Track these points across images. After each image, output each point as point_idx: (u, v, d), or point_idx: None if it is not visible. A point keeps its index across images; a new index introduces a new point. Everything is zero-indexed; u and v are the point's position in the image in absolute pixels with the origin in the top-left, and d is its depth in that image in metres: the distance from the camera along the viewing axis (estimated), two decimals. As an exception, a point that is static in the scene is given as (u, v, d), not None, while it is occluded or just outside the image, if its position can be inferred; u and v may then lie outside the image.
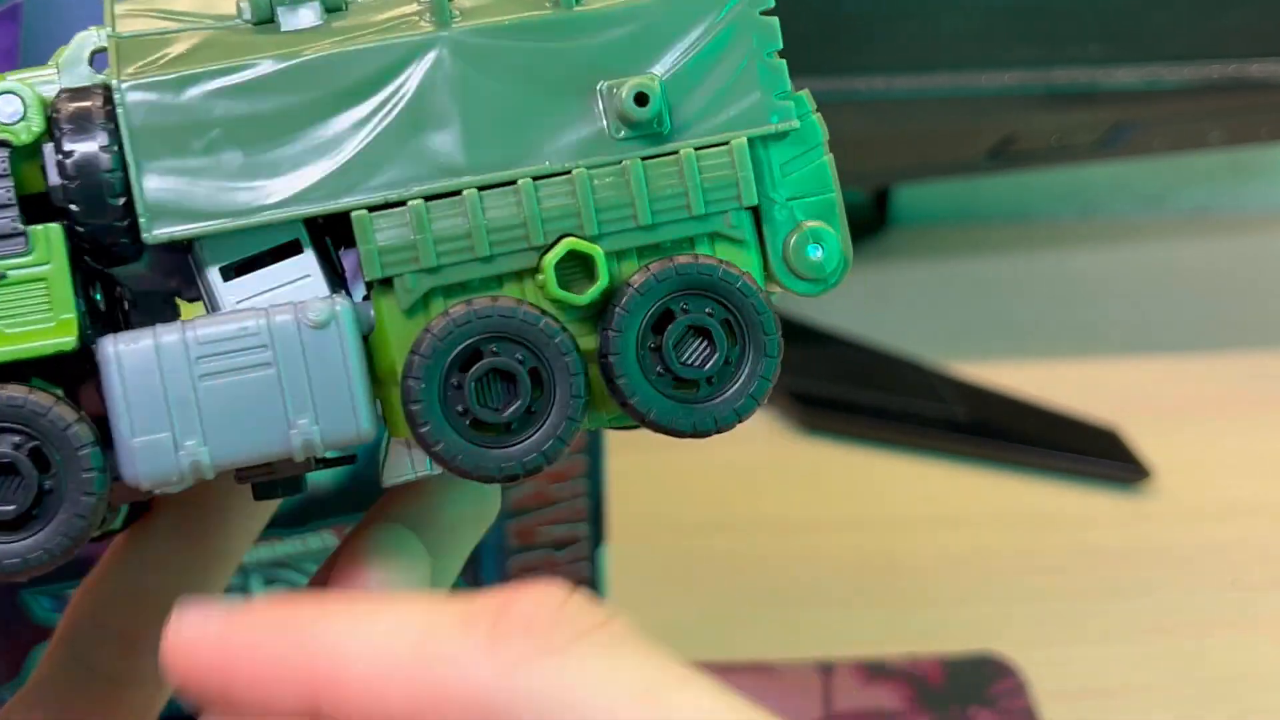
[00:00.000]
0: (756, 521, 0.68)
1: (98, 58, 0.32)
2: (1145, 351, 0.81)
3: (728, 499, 0.69)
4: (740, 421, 0.32)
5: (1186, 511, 0.68)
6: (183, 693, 0.29)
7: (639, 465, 0.64)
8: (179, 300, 0.34)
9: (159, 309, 0.34)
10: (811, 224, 0.32)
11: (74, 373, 0.31)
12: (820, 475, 0.71)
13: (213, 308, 0.31)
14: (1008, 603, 0.62)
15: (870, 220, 0.95)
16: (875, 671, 0.58)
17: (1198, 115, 0.72)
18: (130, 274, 0.33)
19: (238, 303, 0.31)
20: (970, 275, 0.89)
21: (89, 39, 0.32)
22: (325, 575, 0.34)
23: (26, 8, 0.44)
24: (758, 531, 0.67)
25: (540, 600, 0.27)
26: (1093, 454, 0.71)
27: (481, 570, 0.57)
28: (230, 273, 0.31)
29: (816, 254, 0.33)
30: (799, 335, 0.81)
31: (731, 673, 0.58)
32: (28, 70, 0.32)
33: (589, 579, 0.59)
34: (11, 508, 0.30)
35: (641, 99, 0.31)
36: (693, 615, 0.62)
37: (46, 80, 0.32)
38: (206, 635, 0.29)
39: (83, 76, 0.32)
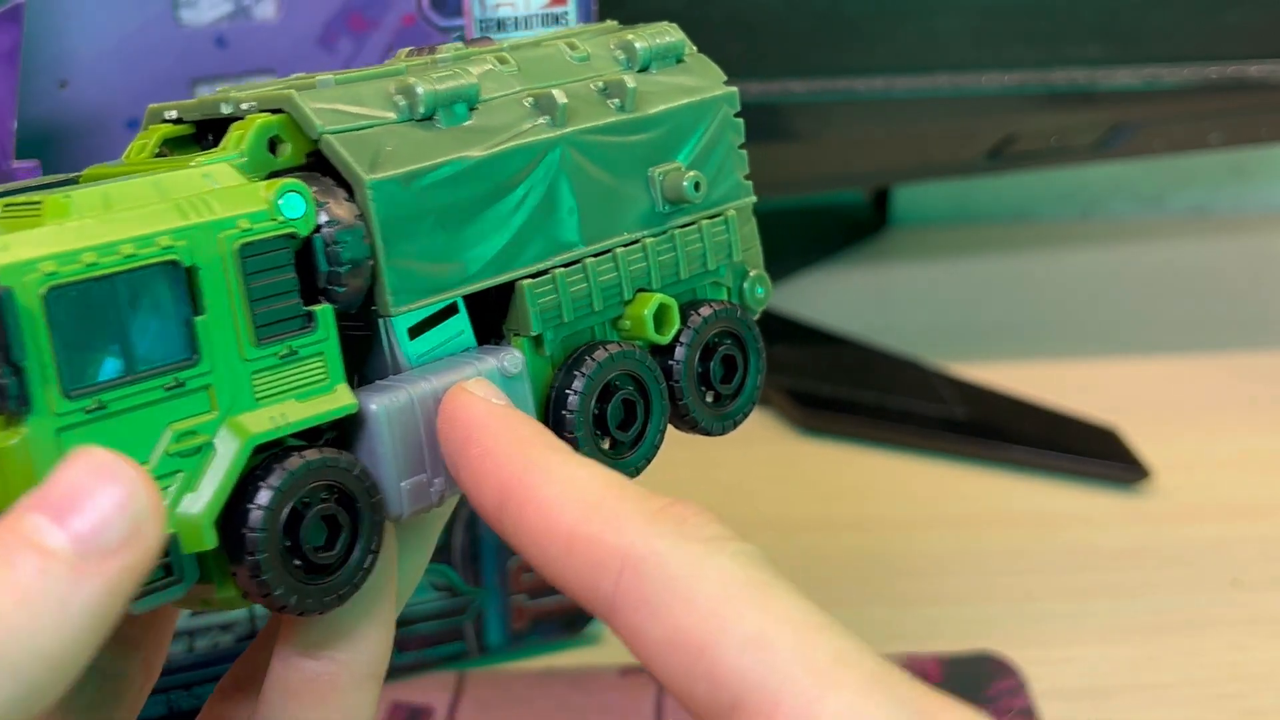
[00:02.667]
0: (756, 521, 0.68)
1: (273, 143, 0.35)
2: (1145, 351, 0.81)
3: (728, 499, 0.70)
4: (745, 419, 0.43)
5: (1186, 511, 0.68)
6: (440, 427, 0.35)
7: (639, 465, 0.64)
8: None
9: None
10: (756, 270, 0.43)
11: (312, 436, 0.35)
12: (820, 475, 0.71)
13: (395, 364, 0.36)
14: (1007, 602, 0.62)
15: (870, 220, 0.95)
16: (875, 671, 0.58)
17: (1197, 116, 0.72)
18: None
19: (419, 355, 0.37)
20: (970, 275, 0.89)
21: (270, 126, 0.35)
22: (262, 634, 0.37)
23: (27, 9, 0.44)
24: (758, 531, 0.67)
25: (699, 510, 0.33)
26: (1092, 454, 0.71)
27: (481, 570, 0.57)
28: (412, 332, 0.37)
29: (761, 293, 0.43)
30: (799, 335, 0.81)
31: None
32: (214, 152, 0.35)
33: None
34: (333, 553, 0.34)
35: (698, 186, 0.40)
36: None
37: (237, 163, 0.35)
38: (482, 405, 0.35)
39: (264, 161, 0.35)
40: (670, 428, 0.41)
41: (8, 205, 0.32)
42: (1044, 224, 0.96)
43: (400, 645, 0.38)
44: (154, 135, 0.37)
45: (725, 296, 0.42)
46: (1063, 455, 0.71)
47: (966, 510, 0.69)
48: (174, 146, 0.37)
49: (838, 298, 0.86)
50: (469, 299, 0.38)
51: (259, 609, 0.54)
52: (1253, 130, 0.74)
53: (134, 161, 0.36)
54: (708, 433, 0.42)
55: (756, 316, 0.43)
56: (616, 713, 0.55)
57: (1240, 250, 0.92)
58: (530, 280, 0.38)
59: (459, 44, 0.41)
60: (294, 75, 0.38)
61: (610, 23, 0.43)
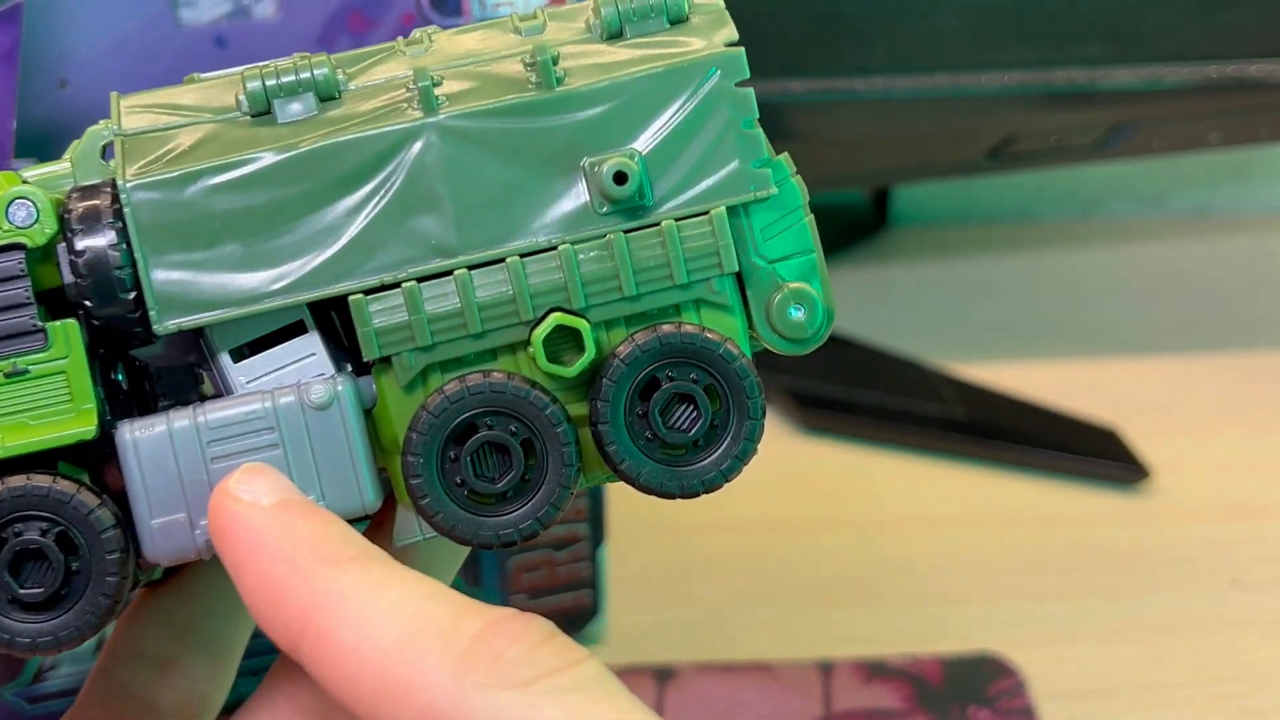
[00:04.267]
0: (756, 521, 0.68)
1: (109, 150, 0.33)
2: (1145, 351, 0.81)
3: (728, 499, 0.69)
4: (727, 482, 0.34)
5: (1186, 511, 0.68)
6: (214, 541, 0.31)
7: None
8: (200, 372, 0.35)
9: (182, 380, 0.35)
10: (794, 285, 0.34)
11: (99, 453, 0.33)
12: (820, 475, 0.71)
13: (225, 387, 0.33)
14: (1007, 602, 0.62)
15: (870, 220, 0.95)
16: (875, 671, 0.58)
17: (1197, 115, 0.72)
18: (149, 353, 0.35)
19: (248, 382, 0.33)
20: (970, 275, 0.89)
21: (100, 134, 0.34)
22: None
23: (27, 9, 0.44)
24: (758, 531, 0.67)
25: (520, 632, 0.28)
26: (1092, 454, 0.71)
27: (481, 570, 0.57)
28: (240, 354, 0.33)
29: (798, 315, 0.34)
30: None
31: (731, 673, 0.58)
32: (44, 165, 0.34)
33: (589, 579, 0.59)
34: (40, 590, 0.32)
35: (620, 178, 0.32)
36: (693, 615, 0.62)
37: (62, 175, 0.33)
38: (251, 513, 0.31)
39: (96, 170, 0.33)
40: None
41: None
42: (1044, 224, 0.96)
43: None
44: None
45: (732, 322, 0.34)
46: (1063, 455, 0.71)
47: (966, 510, 0.69)
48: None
49: (838, 298, 0.86)
50: (342, 311, 0.33)
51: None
52: (1253, 130, 0.74)
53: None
54: (659, 493, 0.34)
55: (803, 350, 0.34)
56: (616, 713, 0.55)
57: (1240, 250, 0.92)
58: (366, 295, 0.32)
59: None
60: (294, 55, 0.35)
61: None
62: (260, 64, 0.34)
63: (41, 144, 0.46)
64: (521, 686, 0.27)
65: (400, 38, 0.35)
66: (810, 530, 0.68)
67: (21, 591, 0.32)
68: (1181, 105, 0.72)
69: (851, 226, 0.95)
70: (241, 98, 0.33)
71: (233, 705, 0.40)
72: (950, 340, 0.81)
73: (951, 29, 0.71)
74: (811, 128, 0.72)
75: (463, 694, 0.27)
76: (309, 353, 0.33)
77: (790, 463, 0.72)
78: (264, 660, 0.41)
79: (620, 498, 0.61)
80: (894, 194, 0.95)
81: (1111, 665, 0.59)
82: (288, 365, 0.33)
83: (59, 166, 0.34)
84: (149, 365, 0.35)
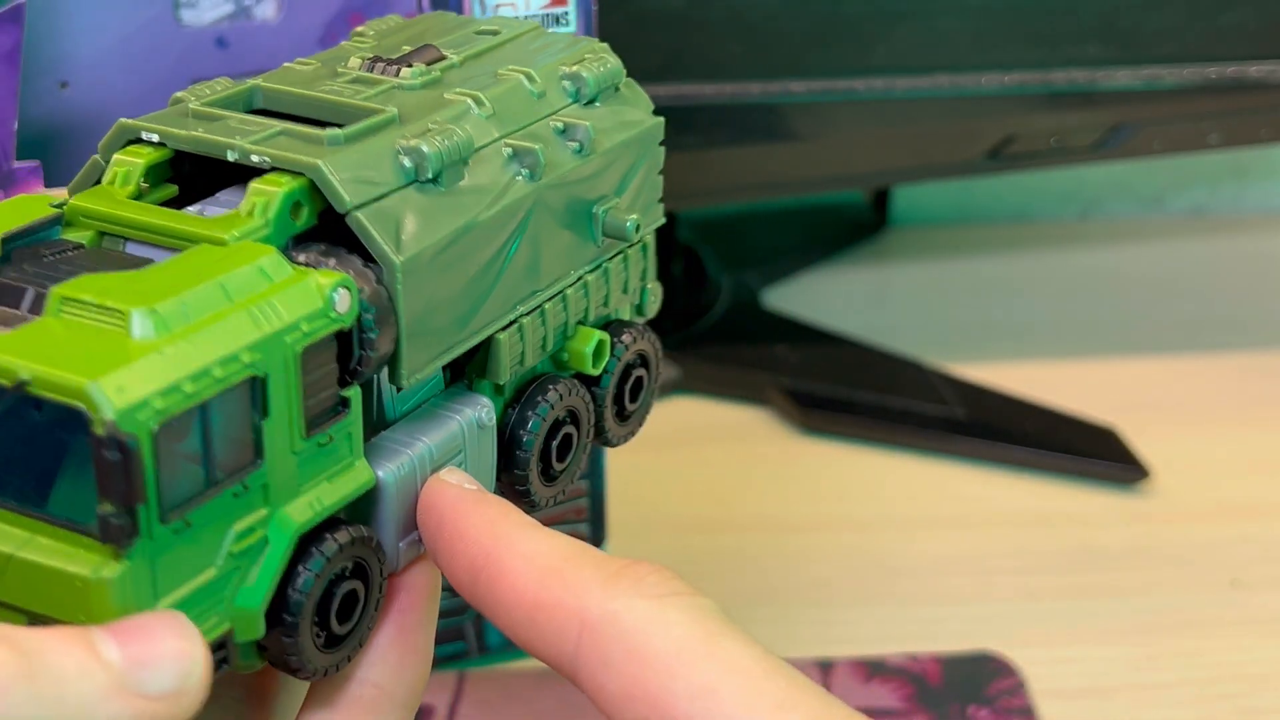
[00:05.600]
0: (756, 521, 0.68)
1: (296, 208, 0.35)
2: (1144, 351, 0.81)
3: (728, 499, 0.70)
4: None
5: (1185, 511, 0.68)
6: (420, 513, 0.37)
7: (639, 465, 0.64)
8: None
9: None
10: (649, 284, 0.43)
11: None
12: (820, 475, 0.72)
13: (379, 413, 0.37)
14: (1006, 602, 0.63)
15: (870, 220, 0.95)
16: (874, 670, 0.58)
17: (1197, 116, 0.72)
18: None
19: (403, 409, 0.38)
20: (970, 275, 0.89)
21: (293, 194, 0.35)
22: None
23: (28, 9, 0.44)
24: (758, 531, 0.68)
25: (655, 569, 0.34)
26: (1091, 454, 0.71)
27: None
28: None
29: (648, 298, 0.44)
30: (799, 335, 0.81)
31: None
32: (238, 224, 0.34)
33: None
34: (350, 625, 0.35)
35: (638, 228, 0.41)
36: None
37: (259, 230, 0.34)
38: (455, 491, 0.37)
39: (288, 226, 0.35)
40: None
41: (66, 302, 0.31)
42: (1044, 224, 0.96)
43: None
44: (138, 163, 0.36)
45: (631, 312, 0.43)
46: (1063, 455, 0.71)
47: (966, 510, 0.69)
48: (151, 175, 0.36)
49: (838, 298, 0.86)
50: None
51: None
52: (1252, 130, 0.74)
53: (120, 198, 0.35)
54: (608, 444, 0.43)
55: (646, 319, 0.44)
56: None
57: (1240, 250, 0.92)
58: (504, 332, 0.38)
59: (397, 17, 0.41)
60: (276, 70, 0.38)
61: (531, 22, 0.43)
62: (416, 125, 0.37)
63: (42, 144, 0.46)
64: (657, 597, 0.33)
65: (457, 96, 0.38)
66: (810, 530, 0.68)
67: (338, 629, 0.35)
68: (1181, 106, 0.72)
69: (851, 226, 0.95)
70: (413, 165, 0.36)
71: None
72: (950, 340, 0.81)
73: (951, 29, 0.71)
74: (811, 128, 0.72)
75: (608, 599, 0.33)
76: (434, 376, 0.38)
77: (790, 463, 0.73)
78: None
79: (620, 498, 0.61)
80: (894, 194, 0.95)
81: (1111, 665, 0.59)
82: (424, 386, 0.38)
83: (255, 225, 0.34)
84: None
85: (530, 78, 0.40)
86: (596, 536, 0.59)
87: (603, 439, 0.42)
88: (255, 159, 0.35)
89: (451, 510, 0.36)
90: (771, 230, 0.92)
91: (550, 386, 0.40)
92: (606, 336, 0.41)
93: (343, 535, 0.35)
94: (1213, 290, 0.88)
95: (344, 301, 0.34)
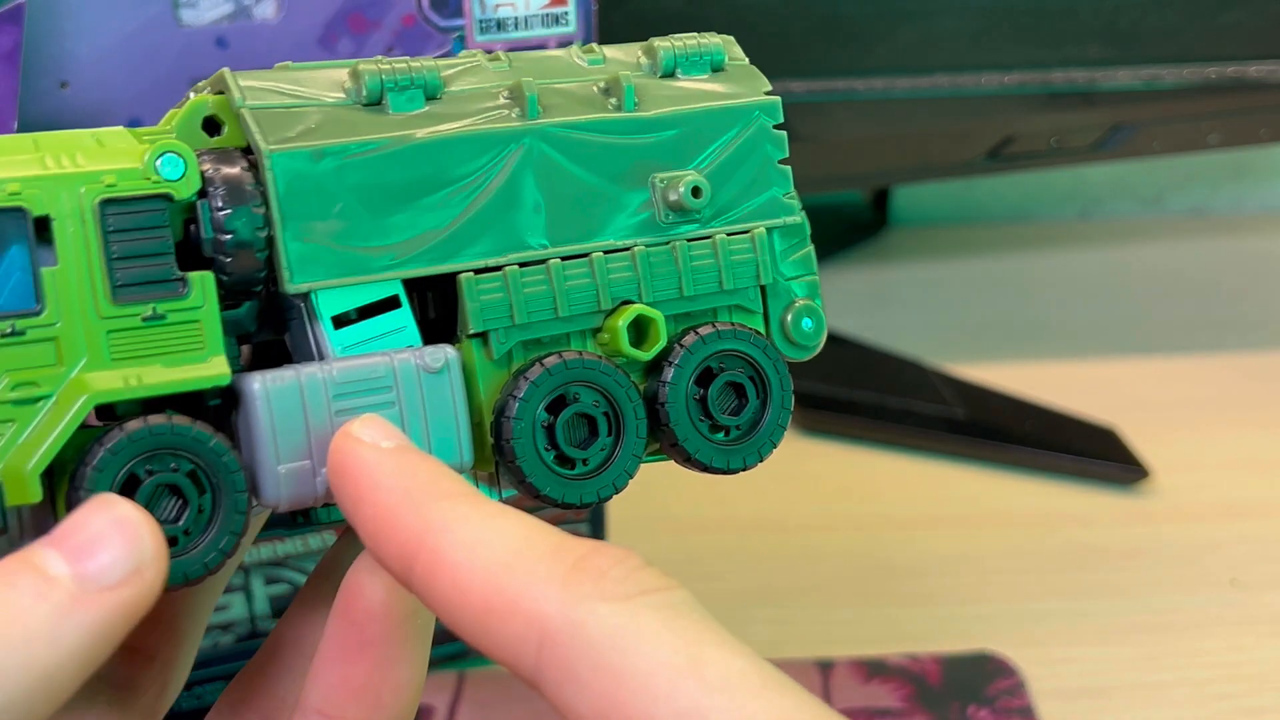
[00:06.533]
0: (756, 521, 0.68)
1: (209, 123, 0.35)
2: (1144, 351, 0.81)
3: (728, 499, 0.70)
4: (761, 461, 0.39)
5: (1185, 511, 0.68)
6: (330, 479, 0.33)
7: (639, 465, 0.64)
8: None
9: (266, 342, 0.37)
10: (804, 301, 0.40)
11: (202, 406, 0.35)
12: (820, 475, 0.72)
13: (320, 352, 0.35)
14: (1006, 602, 0.63)
15: (870, 220, 0.95)
16: (874, 670, 0.58)
17: (1196, 116, 0.72)
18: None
19: (344, 349, 0.35)
20: (970, 275, 0.89)
21: (200, 106, 0.35)
22: (316, 580, 0.37)
23: (28, 9, 0.44)
24: (758, 531, 0.68)
25: (621, 557, 0.31)
26: (1091, 454, 0.71)
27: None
28: (339, 322, 0.35)
29: (810, 326, 0.40)
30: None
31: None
32: (145, 130, 0.35)
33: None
34: (175, 524, 0.33)
35: (697, 192, 0.37)
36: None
37: (165, 134, 0.35)
38: (372, 452, 0.33)
39: (198, 139, 0.35)
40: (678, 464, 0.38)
41: None
42: (1044, 224, 0.96)
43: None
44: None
45: (756, 324, 0.39)
46: (1063, 455, 0.71)
47: (966, 510, 0.69)
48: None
49: (838, 298, 0.86)
50: (423, 297, 0.37)
51: (258, 609, 0.54)
52: (1252, 130, 0.74)
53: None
54: (708, 469, 0.38)
55: (806, 356, 0.39)
56: (616, 712, 0.55)
57: (1240, 250, 0.92)
58: (474, 274, 0.36)
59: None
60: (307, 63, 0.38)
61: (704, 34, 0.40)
62: (372, 59, 0.36)
63: (42, 144, 0.46)
64: (624, 599, 0.30)
65: (479, 52, 0.38)
66: (810, 530, 0.68)
67: (169, 526, 0.33)
68: (1181, 106, 0.72)
69: (851, 226, 0.95)
70: (351, 85, 0.36)
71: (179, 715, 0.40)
72: (950, 340, 0.81)
73: (951, 29, 0.71)
74: (811, 128, 0.72)
75: (569, 604, 0.29)
76: (401, 325, 0.36)
77: (790, 463, 0.72)
78: (236, 666, 0.42)
79: (620, 497, 0.61)
80: (894, 194, 0.95)
81: (1110, 665, 0.59)
82: (379, 336, 0.36)
83: (162, 131, 0.35)
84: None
85: (590, 50, 0.38)
86: (596, 536, 0.59)
87: (689, 458, 0.38)
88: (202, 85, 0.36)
89: (370, 479, 0.32)
90: (771, 230, 0.92)
91: (557, 355, 0.36)
92: (656, 315, 0.37)
93: (157, 420, 0.33)
94: (1213, 290, 0.88)
95: (169, 167, 0.33)
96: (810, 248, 0.40)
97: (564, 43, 0.50)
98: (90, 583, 0.30)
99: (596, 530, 0.59)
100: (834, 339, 0.83)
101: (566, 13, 0.50)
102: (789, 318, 0.39)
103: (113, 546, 0.31)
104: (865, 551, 0.66)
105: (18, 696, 0.29)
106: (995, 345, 0.82)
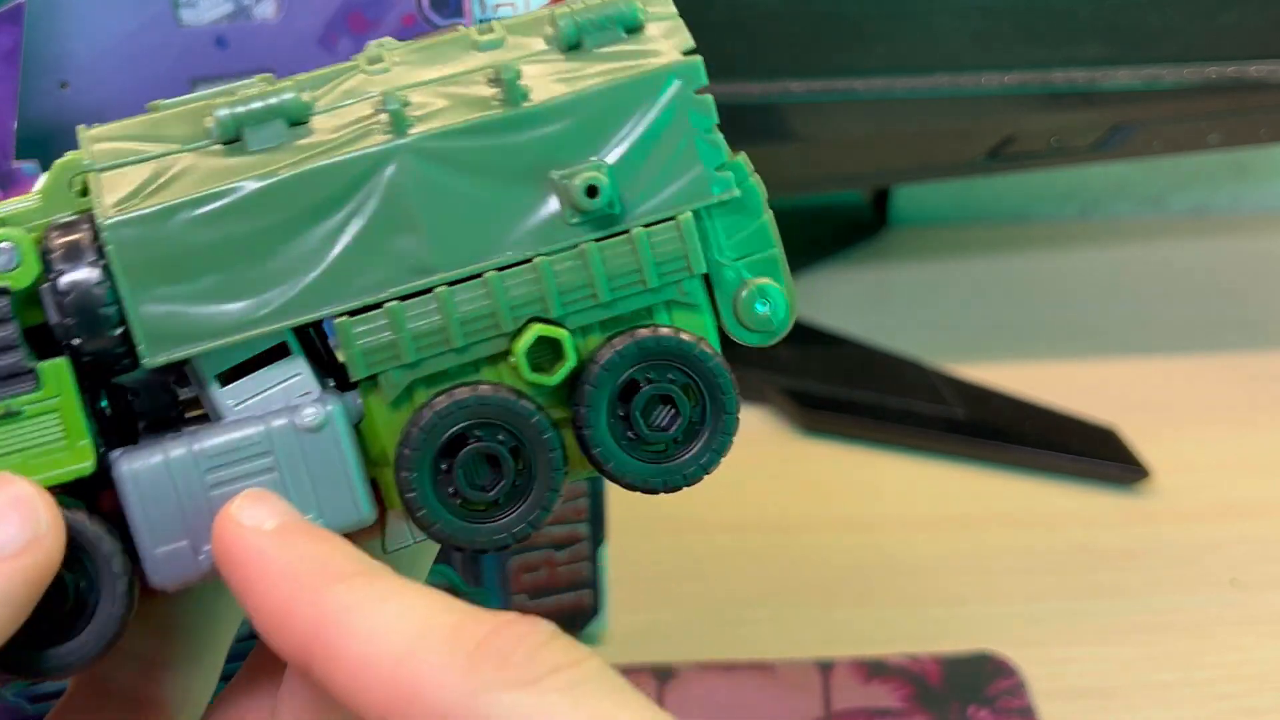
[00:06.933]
0: (756, 521, 0.68)
1: (79, 182, 0.34)
2: (1144, 352, 0.81)
3: (727, 499, 0.70)
4: (706, 475, 0.35)
5: (1185, 511, 0.68)
6: (217, 565, 0.32)
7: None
8: (176, 388, 0.36)
9: (159, 396, 0.35)
10: (758, 281, 0.35)
11: (95, 480, 0.33)
12: (820, 475, 0.71)
13: (213, 412, 0.33)
14: (1006, 602, 0.63)
15: (870, 220, 0.95)
16: (874, 670, 0.58)
17: (1197, 116, 0.72)
18: (128, 377, 0.35)
19: (236, 405, 0.33)
20: (970, 275, 0.89)
21: (69, 166, 0.34)
22: None
23: (28, 9, 0.44)
24: (758, 531, 0.68)
25: (525, 634, 0.29)
26: (1092, 454, 0.71)
27: (482, 571, 0.57)
28: (226, 378, 0.33)
29: (764, 309, 0.35)
30: (799, 335, 0.81)
31: (732, 672, 0.58)
32: (11, 202, 0.34)
33: (589, 579, 0.59)
34: (68, 620, 0.33)
35: (592, 191, 0.33)
36: (693, 615, 0.62)
37: (32, 210, 0.33)
38: (255, 537, 0.31)
39: (67, 204, 0.33)
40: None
41: None
42: (1044, 224, 0.96)
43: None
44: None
45: (702, 320, 0.35)
46: (1063, 455, 0.71)
47: (966, 510, 0.69)
48: None
49: (838, 298, 0.86)
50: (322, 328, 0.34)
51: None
52: (1253, 130, 0.74)
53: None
54: (644, 489, 0.35)
55: (770, 340, 0.35)
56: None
57: (1240, 250, 0.92)
58: (352, 316, 0.33)
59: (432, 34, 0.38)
60: (255, 78, 0.36)
61: None
62: (225, 88, 0.34)
63: (42, 144, 0.46)
64: (529, 684, 0.28)
65: (361, 55, 0.35)
66: (810, 530, 0.68)
67: (48, 618, 0.33)
68: (1181, 106, 0.72)
69: (851, 226, 0.95)
70: (211, 126, 0.33)
71: None
72: (950, 340, 0.81)
73: (951, 29, 0.71)
74: (811, 128, 0.72)
75: (472, 694, 0.28)
76: (294, 373, 0.34)
77: (790, 463, 0.72)
78: (233, 667, 0.41)
79: (620, 498, 0.61)
80: (894, 194, 0.95)
81: (1111, 665, 0.59)
82: (274, 386, 0.34)
83: (28, 202, 0.34)
84: (125, 385, 0.35)
85: (487, 29, 0.35)
86: (596, 536, 0.59)
87: (621, 479, 0.34)
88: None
89: (256, 568, 0.31)
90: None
91: (446, 394, 0.33)
92: (560, 333, 0.33)
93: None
94: (1213, 290, 0.87)
95: (5, 257, 0.32)
96: (762, 219, 0.35)
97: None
98: None
99: (597, 531, 0.59)
100: (834, 339, 0.83)
101: (566, 12, 0.50)
102: (740, 303, 0.35)
103: (10, 520, 0.31)
104: (865, 551, 0.66)
105: None
106: (995, 345, 0.82)
